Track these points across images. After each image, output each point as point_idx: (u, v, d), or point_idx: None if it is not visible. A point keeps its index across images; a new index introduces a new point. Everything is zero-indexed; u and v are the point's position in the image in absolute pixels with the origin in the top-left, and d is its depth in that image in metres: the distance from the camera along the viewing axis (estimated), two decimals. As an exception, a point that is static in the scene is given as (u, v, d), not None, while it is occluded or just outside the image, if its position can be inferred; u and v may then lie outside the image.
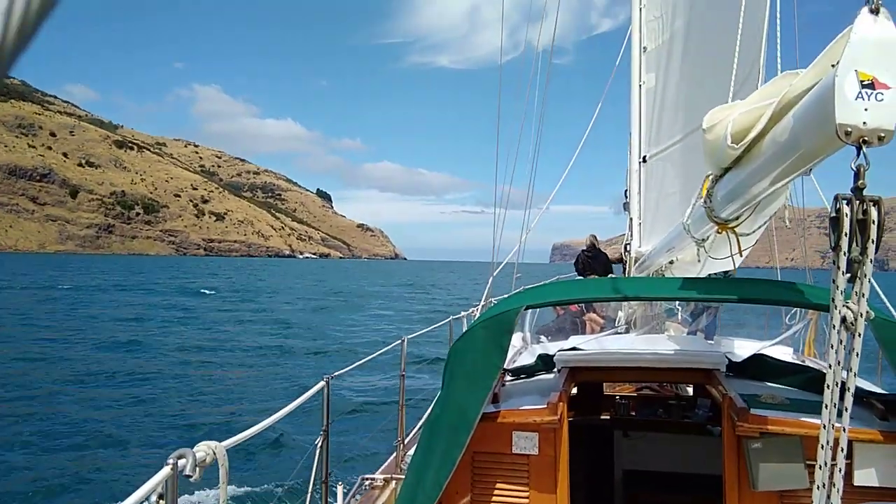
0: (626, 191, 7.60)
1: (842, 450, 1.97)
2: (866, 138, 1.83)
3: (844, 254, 1.92)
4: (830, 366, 2.01)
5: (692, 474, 4.28)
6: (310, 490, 4.03)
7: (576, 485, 3.61)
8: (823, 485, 1.98)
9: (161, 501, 1.99)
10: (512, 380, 4.13)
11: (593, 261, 9.88)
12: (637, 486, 4.63)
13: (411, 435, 6.16)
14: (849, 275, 1.94)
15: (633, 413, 4.57)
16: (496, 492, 3.29)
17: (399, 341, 6.08)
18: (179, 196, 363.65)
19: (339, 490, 4.87)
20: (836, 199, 1.95)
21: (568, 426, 3.31)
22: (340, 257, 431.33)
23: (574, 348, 4.21)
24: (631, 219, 7.08)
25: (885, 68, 1.83)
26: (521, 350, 5.86)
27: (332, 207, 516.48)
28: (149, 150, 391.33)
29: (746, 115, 2.50)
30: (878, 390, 3.67)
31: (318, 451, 4.08)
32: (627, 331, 6.41)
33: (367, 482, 5.30)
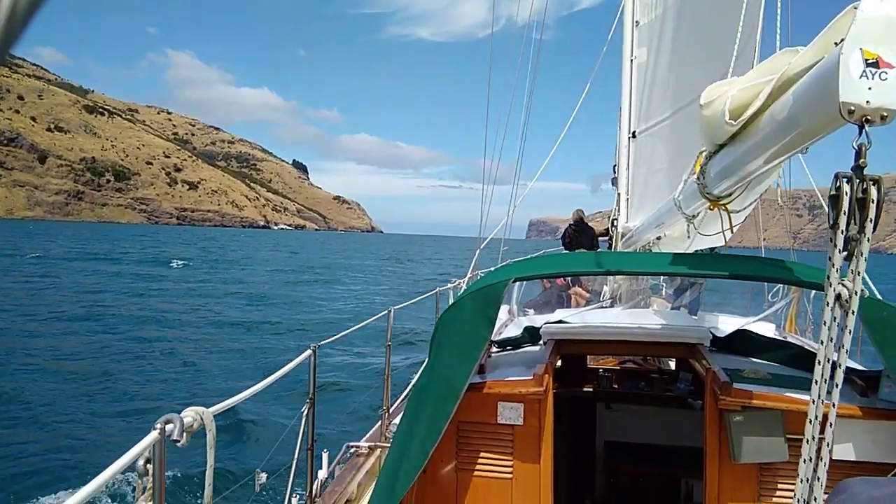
0: (614, 166, 7.64)
1: (830, 425, 2.02)
2: (869, 117, 1.83)
3: (842, 232, 1.94)
4: (823, 342, 2.04)
5: (673, 446, 4.39)
6: (295, 456, 4.06)
7: (559, 455, 3.70)
8: (811, 458, 2.03)
9: (148, 465, 2.00)
10: (498, 351, 4.18)
11: (580, 235, 9.96)
12: (618, 458, 4.72)
13: (396, 404, 6.22)
14: (845, 253, 1.96)
15: (616, 386, 4.65)
16: (481, 461, 3.34)
17: (385, 312, 6.09)
18: (151, 164, 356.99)
19: (325, 457, 4.91)
20: (836, 177, 1.96)
21: (553, 398, 3.36)
22: (316, 229, 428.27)
23: (560, 321, 4.25)
24: (619, 194, 7.13)
25: (889, 47, 1.83)
26: (508, 322, 5.91)
27: (308, 179, 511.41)
28: (120, 116, 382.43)
29: (745, 91, 2.50)
30: (859, 367, 3.76)
31: (304, 419, 4.10)
32: (613, 305, 6.52)
33: (352, 450, 5.37)
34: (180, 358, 17.41)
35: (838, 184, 1.93)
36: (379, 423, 5.87)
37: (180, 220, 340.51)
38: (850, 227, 1.95)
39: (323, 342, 4.54)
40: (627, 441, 4.70)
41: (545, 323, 4.21)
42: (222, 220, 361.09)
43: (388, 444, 5.09)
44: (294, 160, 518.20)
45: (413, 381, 6.84)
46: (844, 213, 1.93)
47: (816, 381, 2.04)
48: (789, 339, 5.11)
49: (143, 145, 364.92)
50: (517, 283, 5.00)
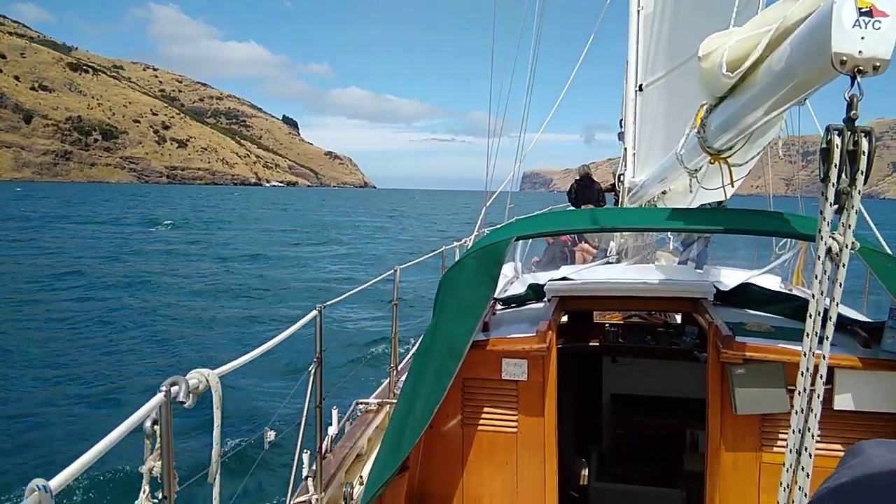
0: (620, 120, 7.52)
1: (821, 377, 2.03)
2: (861, 67, 1.80)
3: (833, 185, 1.92)
4: (814, 295, 2.04)
5: (678, 398, 4.45)
6: (304, 414, 4.12)
7: (565, 408, 3.73)
8: (802, 410, 2.06)
9: (155, 427, 2.02)
10: (502, 309, 4.21)
11: (587, 190, 9.94)
12: (624, 409, 4.80)
13: (404, 362, 6.27)
14: (837, 206, 1.95)
15: (622, 340, 4.71)
16: (486, 416, 3.40)
17: (391, 271, 6.10)
18: (139, 122, 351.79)
19: (334, 413, 4.99)
20: (827, 129, 1.94)
21: (557, 353, 3.41)
22: (308, 185, 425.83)
23: (564, 278, 4.27)
24: (625, 148, 7.03)
25: None
26: (513, 280, 5.92)
27: (299, 135, 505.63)
28: (105, 73, 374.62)
29: (742, 42, 2.46)
30: (863, 318, 3.77)
31: (311, 378, 4.14)
32: (619, 260, 6.51)
33: (360, 406, 5.46)
34: (169, 324, 17.33)
35: (829, 136, 1.91)
36: (387, 380, 5.92)
37: (170, 178, 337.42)
38: (840, 181, 1.93)
39: (329, 302, 4.54)
40: (633, 393, 4.76)
41: (549, 280, 4.22)
42: (213, 177, 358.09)
43: (396, 401, 5.28)
44: (284, 116, 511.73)
45: (419, 340, 6.89)
46: (835, 166, 1.91)
47: (808, 335, 2.06)
48: (794, 292, 5.10)
49: (130, 103, 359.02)
50: (521, 241, 5.00)
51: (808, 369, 2.03)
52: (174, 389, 2.10)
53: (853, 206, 1.96)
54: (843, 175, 1.93)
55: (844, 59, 1.79)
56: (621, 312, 4.90)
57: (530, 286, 4.37)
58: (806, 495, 2.00)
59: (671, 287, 4.07)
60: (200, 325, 17.30)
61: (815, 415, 2.03)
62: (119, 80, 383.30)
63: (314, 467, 4.13)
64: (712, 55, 2.64)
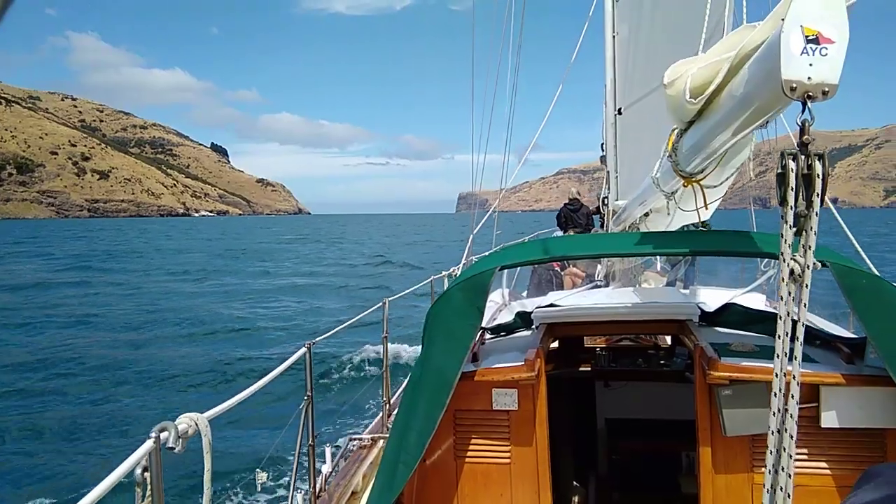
0: (602, 144, 7.64)
1: (792, 396, 2.07)
2: (810, 93, 1.85)
3: (791, 208, 1.98)
4: (780, 318, 2.10)
5: (672, 420, 4.43)
6: (296, 454, 4.06)
7: (561, 436, 3.72)
8: (778, 430, 2.10)
9: (146, 474, 2.00)
10: (491, 338, 4.20)
11: (575, 213, 10.07)
12: (619, 434, 4.78)
13: (396, 395, 6.21)
14: (796, 228, 2.00)
15: (614, 364, 4.70)
16: (478, 447, 3.38)
17: (380, 304, 6.06)
18: (56, 154, 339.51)
19: (328, 451, 4.90)
20: (782, 154, 2.00)
21: (548, 380, 3.41)
22: (240, 214, 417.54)
23: (551, 304, 4.29)
24: (608, 172, 7.09)
25: (829, 23, 1.85)
26: (501, 307, 5.90)
27: (229, 162, 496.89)
28: (20, 104, 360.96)
29: (705, 69, 2.52)
30: (845, 333, 3.82)
31: (302, 416, 4.09)
32: (607, 284, 6.51)
33: (354, 442, 5.37)
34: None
35: (784, 161, 1.96)
36: (380, 414, 5.84)
37: (92, 212, 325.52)
38: (798, 203, 1.99)
39: (317, 339, 4.51)
40: (628, 417, 4.73)
41: (536, 308, 4.23)
42: (138, 209, 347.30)
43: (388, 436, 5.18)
44: (213, 143, 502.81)
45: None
46: (792, 190, 1.97)
47: (778, 356, 2.10)
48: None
49: (47, 134, 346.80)
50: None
51: (780, 389, 2.07)
52: (164, 435, 2.08)
53: (811, 228, 2.01)
54: (801, 198, 1.99)
55: (794, 85, 1.84)
56: (610, 336, 4.93)
57: (518, 314, 4.38)
58: None
59: (657, 310, 4.10)
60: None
61: (791, 435, 2.08)
62: (35, 110, 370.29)
63: None
64: (676, 82, 2.70)
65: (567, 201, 10.60)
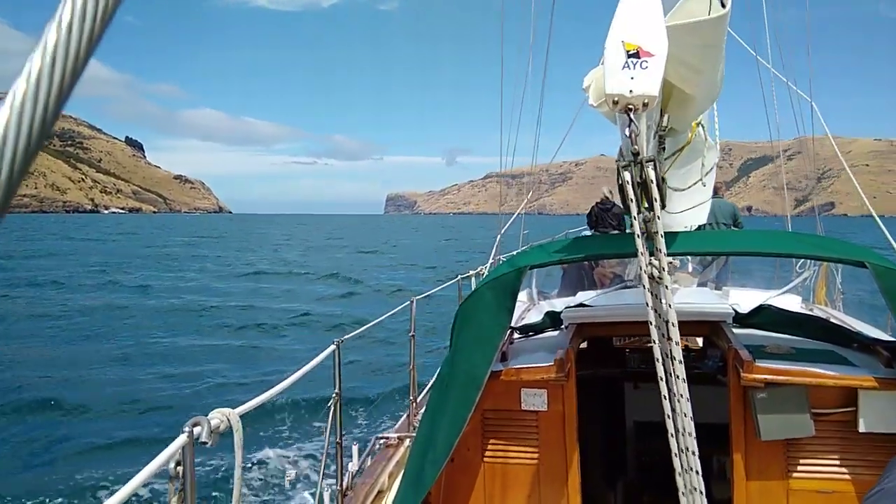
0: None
1: (680, 397, 2.22)
2: (632, 105, 1.89)
3: (634, 217, 2.04)
4: (651, 322, 2.13)
5: (702, 424, 4.42)
6: (324, 451, 4.11)
7: (589, 437, 3.68)
8: (674, 433, 2.26)
9: (179, 468, 2.04)
10: (520, 338, 4.19)
11: (607, 214, 10.18)
12: (648, 437, 4.67)
13: (423, 394, 6.22)
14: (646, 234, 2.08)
15: (643, 365, 4.63)
16: (507, 448, 3.37)
17: (407, 303, 6.12)
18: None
19: (355, 450, 4.92)
20: (618, 168, 2.05)
21: (577, 381, 3.37)
22: (155, 212, 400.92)
23: (581, 304, 4.25)
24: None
25: (648, 38, 1.89)
26: (529, 307, 5.89)
27: (145, 157, 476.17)
28: None
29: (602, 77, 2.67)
30: (884, 336, 3.71)
31: (331, 414, 4.13)
32: (638, 284, 6.45)
33: (381, 441, 5.38)
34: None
35: (620, 173, 2.02)
36: (406, 413, 5.88)
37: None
38: (641, 210, 2.06)
39: (346, 337, 4.54)
40: (657, 420, 4.75)
41: (566, 307, 4.20)
42: (41, 205, 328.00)
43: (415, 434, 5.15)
44: (127, 137, 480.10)
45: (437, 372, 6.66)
46: (632, 200, 2.03)
47: (659, 359, 2.15)
48: (815, 312, 5.01)
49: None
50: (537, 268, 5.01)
51: (671, 392, 2.20)
52: (197, 430, 2.12)
53: (657, 231, 2.06)
54: (645, 205, 2.06)
55: (616, 99, 1.90)
56: (640, 337, 4.80)
57: (547, 314, 4.36)
58: None
59: (689, 310, 3.95)
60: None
61: (688, 432, 2.25)
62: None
63: None
64: (589, 88, 2.76)
65: (599, 201, 10.66)
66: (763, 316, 3.82)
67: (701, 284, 6.11)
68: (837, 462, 2.96)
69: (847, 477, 2.95)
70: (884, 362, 3.03)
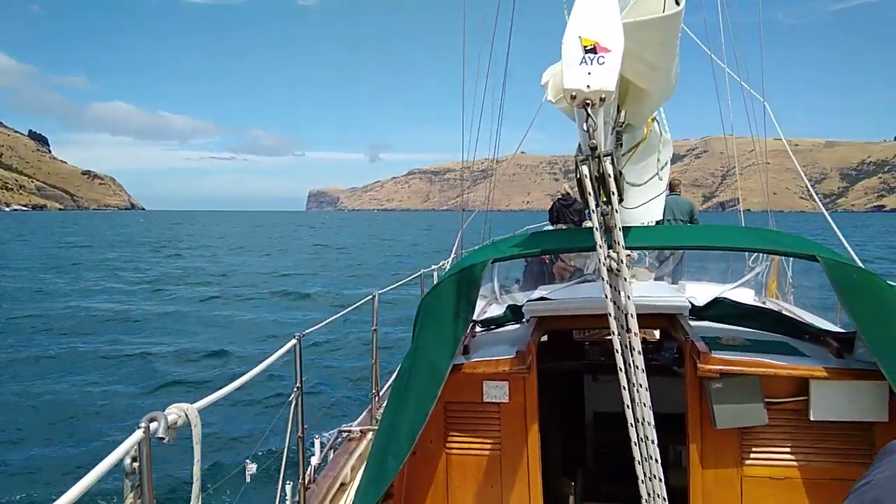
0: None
1: (643, 406, 2.28)
2: (589, 100, 1.91)
3: (593, 211, 2.06)
4: (611, 314, 2.18)
5: (660, 414, 4.47)
6: (286, 446, 4.08)
7: (550, 430, 3.74)
8: (632, 423, 2.33)
9: (135, 464, 2.00)
10: (482, 331, 4.22)
11: (568, 209, 10.33)
12: (608, 428, 4.77)
13: (385, 387, 6.24)
14: (605, 227, 2.12)
15: (603, 358, 4.71)
16: (469, 439, 3.41)
17: (370, 297, 6.08)
18: None
19: (317, 443, 4.93)
20: (576, 163, 2.08)
21: (538, 373, 3.42)
22: (61, 209, 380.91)
23: (542, 298, 4.28)
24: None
25: (605, 33, 1.91)
26: (491, 301, 5.94)
27: (51, 152, 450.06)
28: None
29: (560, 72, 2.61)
30: (834, 328, 3.87)
31: (292, 408, 4.11)
32: (597, 278, 6.53)
33: (343, 434, 5.40)
34: None
35: (578, 168, 2.05)
36: (369, 406, 5.88)
37: None
38: (599, 204, 2.09)
39: (307, 331, 4.51)
40: (616, 411, 4.77)
41: (527, 301, 4.25)
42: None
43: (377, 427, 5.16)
44: (31, 131, 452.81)
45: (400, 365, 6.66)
46: (590, 194, 2.06)
47: (618, 351, 2.20)
48: (768, 305, 5.16)
49: None
50: (498, 262, 4.82)
51: (630, 382, 2.26)
52: (153, 426, 2.09)
53: (615, 225, 2.10)
54: (603, 198, 2.09)
55: (574, 94, 1.92)
56: (598, 330, 4.88)
57: (509, 307, 4.41)
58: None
59: (647, 304, 4.01)
60: None
61: (647, 421, 2.31)
62: None
63: (297, 499, 4.08)
64: (548, 84, 2.80)
65: (560, 196, 10.85)
66: (718, 308, 3.93)
67: (658, 279, 6.33)
68: (789, 449, 3.07)
69: (798, 464, 3.07)
70: (834, 353, 3.15)
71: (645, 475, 2.28)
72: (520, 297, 5.02)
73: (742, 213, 9.37)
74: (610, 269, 2.18)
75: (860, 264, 3.14)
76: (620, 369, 2.25)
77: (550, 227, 10.67)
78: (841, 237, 4.68)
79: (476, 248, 5.21)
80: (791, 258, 5.87)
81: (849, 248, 4.43)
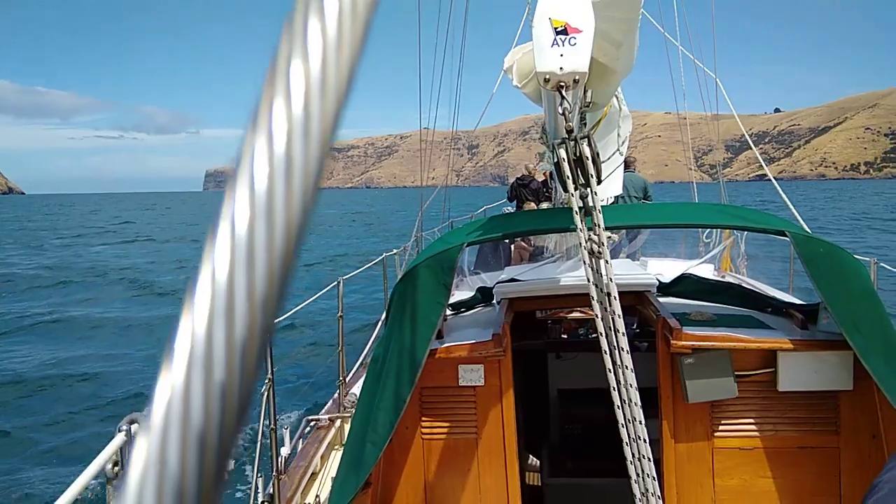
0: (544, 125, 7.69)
1: (629, 387, 2.34)
2: (563, 82, 1.90)
3: (572, 193, 2.07)
4: (593, 297, 2.21)
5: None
6: (259, 438, 4.08)
7: (517, 408, 3.74)
8: (620, 404, 2.39)
9: (117, 468, 1.96)
10: (453, 314, 4.21)
11: (524, 189, 10.38)
12: (571, 404, 4.86)
13: (352, 374, 6.23)
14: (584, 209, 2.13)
15: (564, 336, 4.78)
16: (445, 423, 3.42)
17: (335, 283, 6.02)
18: None
19: (286, 433, 4.88)
20: (553, 147, 2.06)
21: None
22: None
23: (512, 279, 4.29)
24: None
25: (575, 13, 1.89)
26: (459, 283, 5.89)
27: None
28: None
29: (527, 55, 2.60)
30: (797, 300, 3.99)
31: (264, 400, 4.07)
32: (569, 258, 6.58)
33: (312, 423, 5.37)
34: None
35: (556, 151, 2.05)
36: (336, 393, 5.86)
37: None
38: (578, 186, 2.09)
39: (276, 320, 4.44)
40: (579, 388, 4.79)
41: (497, 283, 4.26)
42: None
43: (348, 415, 5.13)
44: None
45: (366, 350, 6.66)
46: (568, 177, 2.06)
47: (602, 333, 2.26)
48: (727, 279, 5.32)
49: None
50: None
51: (615, 363, 2.34)
52: (134, 427, 2.07)
53: (595, 206, 2.11)
54: (581, 181, 2.08)
55: (547, 77, 1.91)
56: (560, 309, 4.93)
57: (479, 289, 4.40)
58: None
59: (620, 282, 4.15)
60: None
61: (633, 403, 2.35)
62: None
63: (270, 490, 4.04)
64: (511, 68, 2.80)
65: (518, 176, 10.89)
66: (684, 285, 4.00)
67: (614, 257, 6.40)
68: (758, 420, 3.19)
69: (767, 434, 3.19)
70: (798, 325, 3.26)
71: (633, 456, 2.32)
72: (488, 280, 5.04)
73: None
74: (591, 252, 2.18)
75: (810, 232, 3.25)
76: (605, 351, 2.27)
77: (510, 206, 10.84)
78: (794, 210, 4.84)
79: (448, 231, 5.21)
80: (745, 233, 6.06)
81: (799, 218, 4.55)
